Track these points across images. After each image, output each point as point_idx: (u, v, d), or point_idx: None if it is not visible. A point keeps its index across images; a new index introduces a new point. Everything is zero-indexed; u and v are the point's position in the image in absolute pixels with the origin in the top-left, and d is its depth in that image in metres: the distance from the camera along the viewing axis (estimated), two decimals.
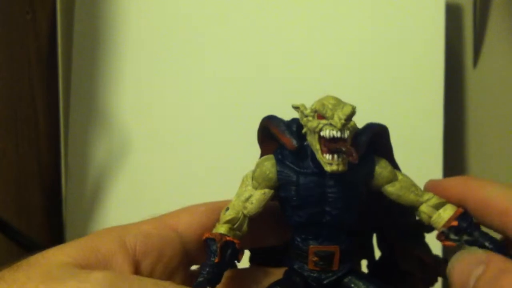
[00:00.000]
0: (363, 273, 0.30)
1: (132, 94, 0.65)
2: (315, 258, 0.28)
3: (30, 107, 0.66)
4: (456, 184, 0.28)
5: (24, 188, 0.65)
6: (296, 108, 0.28)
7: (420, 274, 0.33)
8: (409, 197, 0.28)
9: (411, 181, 0.29)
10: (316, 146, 0.26)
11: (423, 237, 0.33)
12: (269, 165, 0.28)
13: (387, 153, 0.30)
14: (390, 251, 0.33)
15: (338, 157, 0.26)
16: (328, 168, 0.26)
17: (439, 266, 0.32)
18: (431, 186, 0.29)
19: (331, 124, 0.25)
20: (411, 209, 0.29)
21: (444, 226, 0.28)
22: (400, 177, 0.29)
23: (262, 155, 0.30)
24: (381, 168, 0.28)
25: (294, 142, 0.27)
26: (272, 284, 0.29)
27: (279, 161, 0.28)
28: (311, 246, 0.28)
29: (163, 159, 0.63)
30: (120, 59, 0.65)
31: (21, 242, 0.59)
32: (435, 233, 0.29)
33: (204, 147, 0.62)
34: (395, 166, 0.30)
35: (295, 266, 0.29)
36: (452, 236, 0.27)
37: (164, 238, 0.28)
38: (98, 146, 0.65)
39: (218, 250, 0.26)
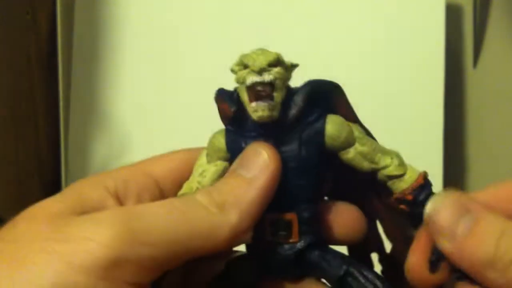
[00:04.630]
0: (329, 248, 0.28)
1: (132, 94, 0.65)
2: (272, 228, 0.27)
3: (30, 107, 0.66)
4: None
5: (24, 188, 0.65)
6: (232, 70, 0.27)
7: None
8: (363, 165, 0.27)
9: (369, 145, 0.27)
10: (245, 98, 0.26)
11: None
12: (219, 136, 0.28)
13: (346, 115, 0.28)
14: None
15: (262, 102, 0.25)
16: (254, 115, 0.25)
17: None
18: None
19: (252, 71, 0.25)
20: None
21: (398, 195, 0.27)
22: (356, 143, 0.27)
23: None
24: (333, 130, 0.27)
25: (232, 107, 0.27)
26: (233, 258, 0.28)
27: (228, 131, 0.28)
28: (268, 215, 0.26)
29: None
30: (120, 59, 0.65)
31: None
32: None
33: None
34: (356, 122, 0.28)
35: (256, 240, 0.27)
36: (405, 206, 0.26)
37: (141, 184, 0.28)
38: (98, 146, 0.65)
39: None
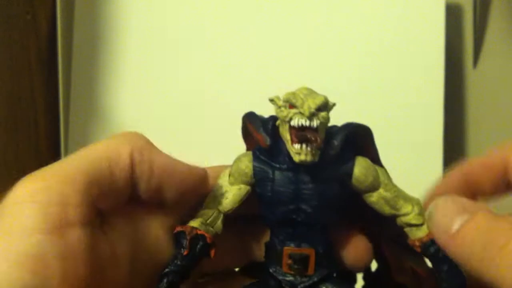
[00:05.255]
0: (340, 281, 0.29)
1: (132, 93, 0.65)
2: (289, 261, 0.27)
3: (30, 107, 0.66)
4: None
5: None
6: (271, 100, 0.27)
7: (414, 286, 0.31)
8: (384, 209, 0.28)
9: (393, 191, 0.28)
10: (286, 137, 0.26)
11: None
12: (246, 160, 0.28)
13: (371, 155, 0.28)
14: (385, 262, 0.32)
15: (307, 146, 0.25)
16: (296, 158, 0.25)
17: (432, 278, 0.30)
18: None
19: (300, 113, 0.25)
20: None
21: (410, 242, 0.27)
22: (381, 188, 0.28)
23: (247, 151, 0.30)
24: (360, 173, 0.27)
25: (267, 140, 0.27)
26: (246, 286, 0.28)
27: (256, 157, 0.28)
28: (286, 248, 0.27)
29: None
30: (120, 59, 0.65)
31: None
32: None
33: (204, 146, 0.62)
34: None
35: (271, 270, 0.28)
36: (421, 250, 0.27)
37: None
38: None
39: (187, 242, 0.26)
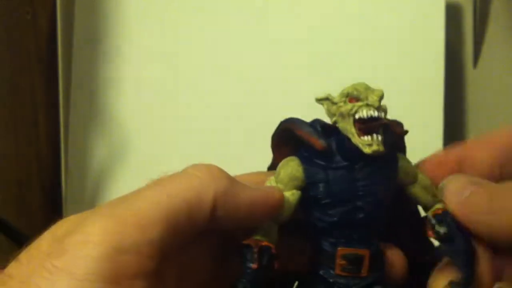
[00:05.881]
0: (392, 284, 0.28)
1: (132, 94, 0.65)
2: (343, 262, 0.27)
3: (30, 107, 0.66)
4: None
5: (24, 188, 0.65)
6: (322, 100, 0.27)
7: None
8: (427, 198, 0.28)
9: (429, 180, 0.28)
10: (351, 130, 0.26)
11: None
12: (294, 164, 0.27)
13: (404, 151, 0.29)
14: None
15: (377, 137, 0.25)
16: (368, 149, 0.25)
17: None
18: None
19: (367, 104, 0.25)
20: (425, 209, 0.28)
21: (435, 210, 0.28)
22: (419, 177, 0.28)
23: (274, 160, 0.29)
24: (405, 166, 0.28)
25: (323, 142, 0.27)
26: None
27: (305, 159, 0.27)
28: (340, 248, 0.27)
29: (163, 159, 0.63)
30: (120, 59, 0.65)
31: (22, 242, 0.59)
32: None
33: (204, 147, 0.62)
34: None
35: (321, 272, 0.27)
36: (436, 226, 0.27)
37: None
38: (98, 146, 0.65)
39: (256, 255, 0.25)
